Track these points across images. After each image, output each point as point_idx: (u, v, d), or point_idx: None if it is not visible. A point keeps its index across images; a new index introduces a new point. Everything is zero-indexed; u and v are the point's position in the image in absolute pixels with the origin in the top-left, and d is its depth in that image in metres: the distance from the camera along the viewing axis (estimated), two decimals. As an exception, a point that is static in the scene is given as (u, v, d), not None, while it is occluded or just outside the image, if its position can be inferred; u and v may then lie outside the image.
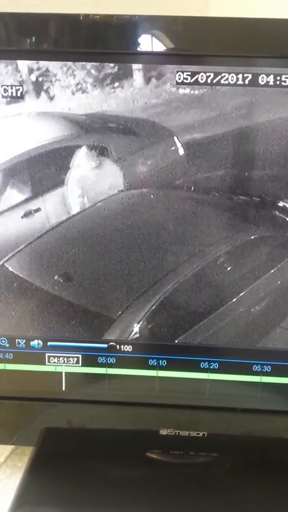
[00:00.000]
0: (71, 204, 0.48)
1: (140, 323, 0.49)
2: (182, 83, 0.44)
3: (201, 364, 0.50)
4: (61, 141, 0.46)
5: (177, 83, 0.44)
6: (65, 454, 0.56)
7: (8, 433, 0.55)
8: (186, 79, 0.43)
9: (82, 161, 0.47)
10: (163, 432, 0.52)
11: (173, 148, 0.45)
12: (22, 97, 0.45)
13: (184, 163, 0.45)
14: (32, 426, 0.54)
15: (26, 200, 0.48)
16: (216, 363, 0.50)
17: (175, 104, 0.44)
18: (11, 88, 0.45)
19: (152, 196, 0.47)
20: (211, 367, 0.50)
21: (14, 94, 0.45)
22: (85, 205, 0.47)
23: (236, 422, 0.52)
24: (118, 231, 0.47)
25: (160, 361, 0.50)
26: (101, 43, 0.44)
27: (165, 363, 0.50)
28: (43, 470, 0.56)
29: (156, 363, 0.50)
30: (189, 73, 0.43)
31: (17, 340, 0.50)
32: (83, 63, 0.44)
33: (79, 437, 0.55)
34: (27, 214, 0.48)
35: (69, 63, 0.44)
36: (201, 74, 0.43)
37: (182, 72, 0.43)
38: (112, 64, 0.43)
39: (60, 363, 0.51)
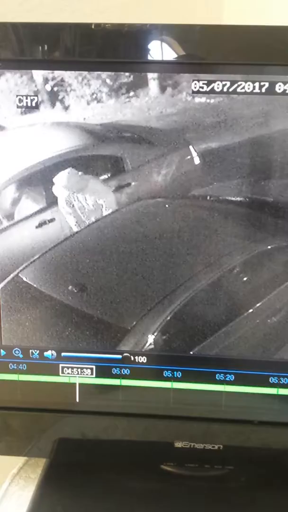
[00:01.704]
0: (85, 214, 0.47)
1: (155, 334, 0.49)
2: (198, 92, 0.43)
3: (217, 375, 0.49)
4: (76, 151, 0.46)
5: (193, 92, 0.43)
6: (78, 465, 0.56)
7: (21, 444, 0.54)
8: (202, 87, 0.43)
9: (96, 171, 0.46)
10: (178, 444, 0.52)
11: (188, 157, 0.45)
12: (37, 107, 0.45)
13: (199, 172, 0.45)
14: (46, 437, 0.53)
15: (41, 210, 0.47)
16: (232, 375, 0.49)
17: (191, 113, 0.44)
18: (26, 98, 0.45)
19: (167, 205, 0.46)
20: (227, 379, 0.49)
21: (29, 104, 0.45)
22: (99, 215, 0.47)
23: (252, 435, 0.51)
24: (132, 241, 0.47)
25: (175, 372, 0.50)
26: (116, 52, 0.43)
27: (180, 374, 0.50)
28: (57, 481, 0.56)
29: (170, 374, 0.50)
30: (205, 81, 0.43)
31: (31, 350, 0.50)
32: (98, 72, 0.43)
33: (93, 449, 0.54)
34: (41, 224, 0.48)
35: (84, 73, 0.44)
36: (217, 82, 0.43)
37: (198, 80, 0.43)
38: (127, 74, 0.43)
39: (74, 374, 0.50)
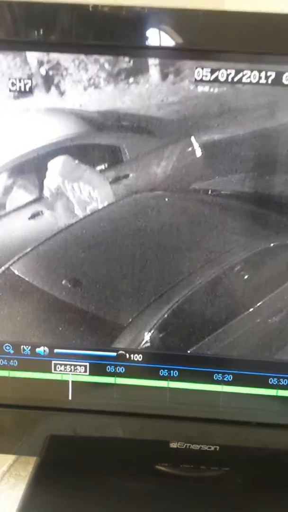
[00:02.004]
0: (80, 206, 0.45)
1: (151, 331, 0.47)
2: (201, 80, 0.41)
3: (215, 375, 0.48)
4: (71, 140, 0.44)
5: (196, 80, 0.41)
6: (71, 464, 0.55)
7: (11, 442, 0.53)
8: (206, 76, 0.41)
9: (92, 161, 0.44)
10: (173, 445, 0.50)
11: (190, 149, 0.43)
12: (30, 91, 0.42)
13: (201, 165, 0.43)
14: (37, 435, 0.52)
15: (34, 201, 0.45)
16: (230, 375, 0.48)
17: (193, 102, 0.41)
18: (19, 82, 0.42)
19: (166, 199, 0.44)
20: (225, 379, 0.48)
21: (22, 88, 0.42)
22: (95, 207, 0.45)
23: (250, 436, 0.50)
24: (130, 235, 0.45)
25: (172, 371, 0.48)
26: (116, 35, 0.41)
27: (177, 373, 0.48)
28: (48, 480, 0.55)
29: (167, 373, 0.48)
30: (209, 70, 0.41)
31: (22, 346, 0.49)
32: (97, 56, 0.41)
33: (85, 448, 0.53)
34: (34, 216, 0.46)
35: (82, 56, 0.41)
36: (222, 71, 0.41)
37: (202, 68, 0.41)
38: (127, 58, 0.41)
39: (66, 371, 0.49)
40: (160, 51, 0.41)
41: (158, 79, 0.41)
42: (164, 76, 0.41)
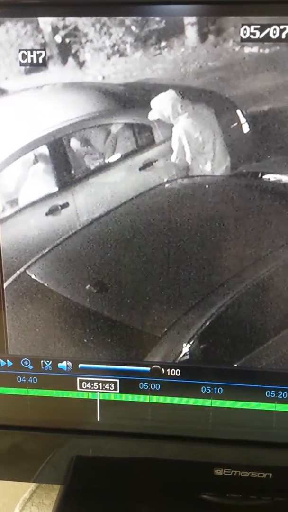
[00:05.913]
0: (103, 199, 0.40)
1: (191, 342, 0.43)
2: (249, 39, 0.36)
3: (266, 392, 0.44)
4: (92, 120, 0.39)
5: (242, 39, 0.36)
6: (100, 493, 0.49)
7: (31, 470, 0.48)
8: (254, 34, 0.35)
9: (118, 145, 0.39)
10: (218, 472, 0.46)
11: (235, 124, 0.38)
12: (44, 64, 0.38)
13: (249, 143, 0.38)
14: (60, 461, 0.47)
15: (52, 194, 0.41)
16: (285, 392, 0.43)
17: (239, 67, 0.36)
18: (31, 53, 0.38)
19: (207, 186, 0.39)
20: (278, 396, 0.44)
21: (34, 61, 0.38)
22: (122, 200, 0.40)
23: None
24: (163, 230, 0.40)
25: (216, 388, 0.44)
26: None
27: (222, 390, 0.44)
28: (75, 510, 0.50)
29: (210, 390, 0.44)
30: (258, 26, 0.35)
31: (42, 361, 0.45)
32: (121, 18, 0.36)
33: (117, 475, 0.48)
34: (52, 211, 0.42)
35: (103, 19, 0.36)
36: (274, 27, 0.35)
37: (249, 25, 0.35)
38: (158, 18, 0.36)
39: (94, 389, 0.46)
40: (197, 7, 0.36)
41: (196, 41, 0.36)
42: (203, 37, 0.36)
